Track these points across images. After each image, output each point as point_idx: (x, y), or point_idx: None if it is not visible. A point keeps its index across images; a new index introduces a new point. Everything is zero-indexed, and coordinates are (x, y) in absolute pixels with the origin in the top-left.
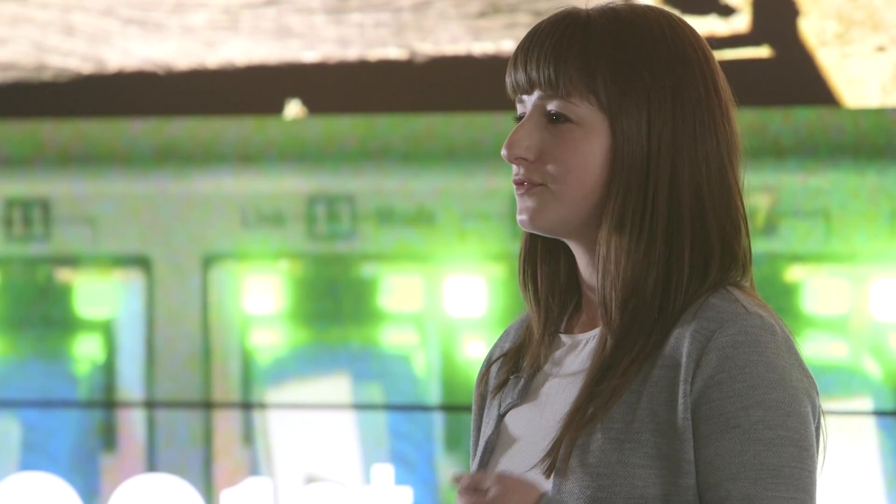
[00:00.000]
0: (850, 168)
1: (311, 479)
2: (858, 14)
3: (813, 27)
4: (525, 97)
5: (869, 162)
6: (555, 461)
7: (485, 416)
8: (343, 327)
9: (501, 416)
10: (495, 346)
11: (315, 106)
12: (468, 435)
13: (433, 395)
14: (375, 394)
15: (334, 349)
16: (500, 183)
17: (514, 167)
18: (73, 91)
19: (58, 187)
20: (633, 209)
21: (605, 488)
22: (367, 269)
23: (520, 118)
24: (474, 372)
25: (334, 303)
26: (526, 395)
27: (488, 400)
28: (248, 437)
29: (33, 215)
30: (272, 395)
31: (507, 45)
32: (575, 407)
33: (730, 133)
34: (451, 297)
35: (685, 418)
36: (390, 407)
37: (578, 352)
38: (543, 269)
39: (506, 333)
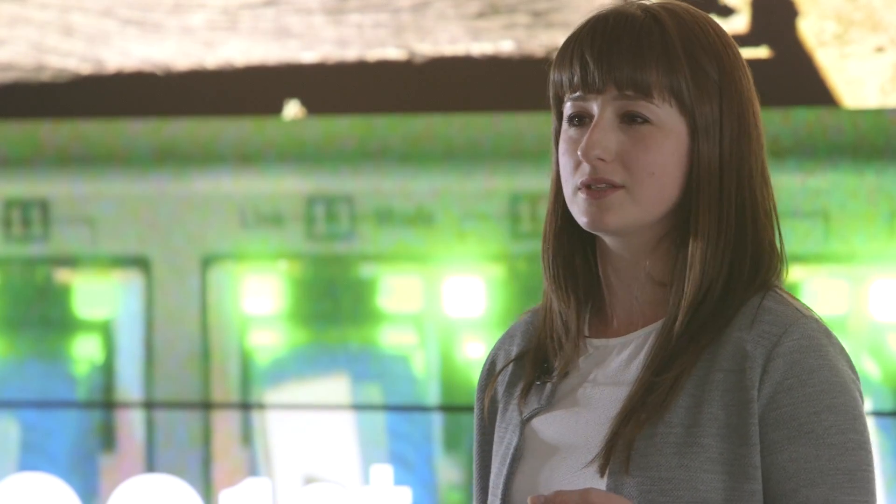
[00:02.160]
0: (849, 169)
1: (309, 480)
2: (857, 14)
3: (812, 27)
4: (591, 96)
5: (868, 162)
6: (608, 460)
7: (499, 422)
8: (342, 328)
9: (525, 422)
10: (498, 349)
11: (314, 106)
12: (468, 435)
13: (432, 396)
14: (374, 394)
15: (333, 350)
16: (499, 183)
17: (587, 168)
18: (71, 91)
19: (57, 188)
20: (711, 212)
21: (667, 492)
22: (365, 270)
23: (574, 116)
24: (474, 372)
25: (333, 303)
26: (554, 400)
27: (501, 406)
28: (246, 437)
29: (32, 216)
30: (271, 395)
31: (506, 45)
32: (629, 405)
33: (763, 136)
34: (450, 298)
35: (752, 423)
36: (389, 407)
37: (615, 356)
38: (577, 268)
39: (509, 337)
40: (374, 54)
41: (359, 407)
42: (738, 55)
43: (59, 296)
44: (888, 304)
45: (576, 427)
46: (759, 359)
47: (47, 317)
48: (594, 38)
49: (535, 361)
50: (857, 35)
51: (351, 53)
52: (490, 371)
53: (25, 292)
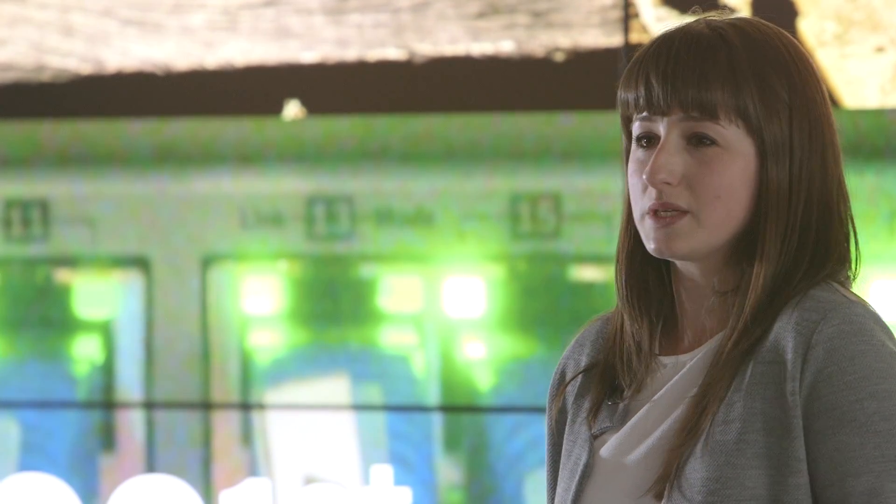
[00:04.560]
0: (849, 169)
1: (310, 480)
2: (857, 15)
3: (812, 28)
4: (657, 117)
5: (867, 163)
6: (663, 489)
7: (568, 433)
8: (342, 328)
9: (595, 438)
10: (567, 358)
11: (314, 106)
12: (467, 435)
13: (432, 396)
14: (374, 394)
15: (333, 350)
16: (499, 183)
17: (654, 192)
18: (71, 92)
19: (57, 188)
20: (778, 233)
21: (715, 492)
22: (365, 270)
23: (642, 137)
24: (474, 373)
25: (333, 303)
26: (626, 418)
27: (570, 417)
28: (247, 437)
29: (32, 216)
30: (271, 395)
31: (506, 45)
32: (684, 426)
33: (839, 146)
34: (450, 298)
35: (795, 416)
36: (389, 407)
37: (682, 373)
38: (649, 288)
39: (578, 345)
40: (374, 54)
41: (359, 407)
42: (810, 70)
43: (59, 296)
44: (888, 304)
45: (639, 448)
46: (800, 349)
47: (47, 317)
48: (659, 58)
49: (603, 379)
50: (857, 35)
51: (351, 53)
52: (560, 380)
53: (25, 292)
